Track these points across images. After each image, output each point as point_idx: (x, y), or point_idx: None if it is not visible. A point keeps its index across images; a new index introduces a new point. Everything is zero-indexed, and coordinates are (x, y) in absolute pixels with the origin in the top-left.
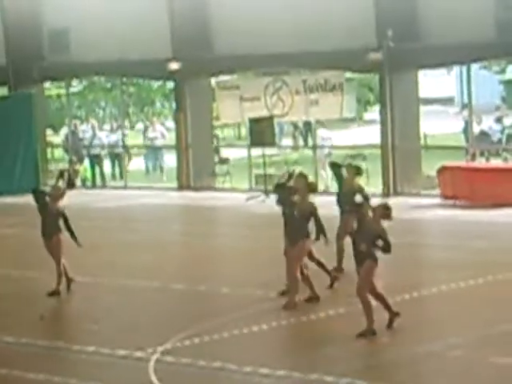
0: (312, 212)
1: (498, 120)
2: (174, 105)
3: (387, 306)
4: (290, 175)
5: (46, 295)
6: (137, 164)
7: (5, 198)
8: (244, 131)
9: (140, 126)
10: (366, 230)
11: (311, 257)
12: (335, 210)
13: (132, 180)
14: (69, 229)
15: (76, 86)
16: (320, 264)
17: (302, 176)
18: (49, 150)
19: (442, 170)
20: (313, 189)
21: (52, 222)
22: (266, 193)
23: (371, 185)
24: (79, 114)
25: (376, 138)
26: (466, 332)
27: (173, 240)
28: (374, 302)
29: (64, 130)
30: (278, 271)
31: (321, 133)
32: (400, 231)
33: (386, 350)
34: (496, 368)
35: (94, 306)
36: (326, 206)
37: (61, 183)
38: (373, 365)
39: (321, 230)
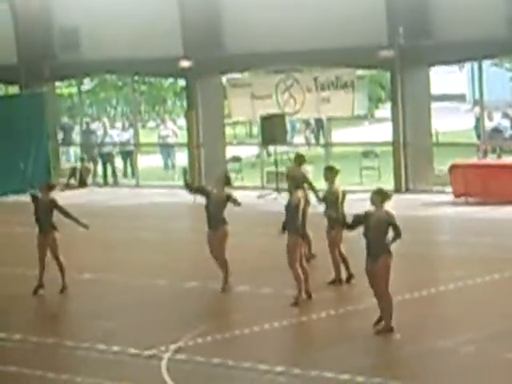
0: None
1: (506, 116)
2: (185, 103)
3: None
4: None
5: (58, 293)
6: (149, 162)
7: (17, 196)
8: (256, 129)
9: (152, 124)
10: (374, 223)
11: (339, 252)
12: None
13: (144, 178)
14: (67, 215)
15: (87, 84)
16: (344, 260)
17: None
18: (60, 149)
19: (454, 167)
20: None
21: (46, 217)
22: (278, 190)
23: (383, 182)
24: (90, 112)
25: (388, 136)
26: (478, 328)
27: (184, 238)
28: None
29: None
30: (288, 269)
31: None
32: (412, 228)
33: (398, 346)
34: (509, 364)
35: (106, 304)
36: None
37: (72, 181)
38: (385, 361)
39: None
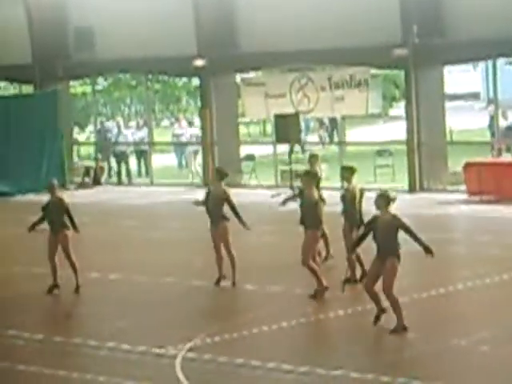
0: (226, 198)
1: None
2: (199, 102)
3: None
4: None
5: (73, 293)
6: (163, 161)
7: (31, 195)
8: (269, 128)
9: (166, 122)
10: (381, 227)
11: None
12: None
13: (158, 177)
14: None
15: (101, 83)
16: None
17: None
18: (75, 148)
19: (468, 166)
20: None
21: (57, 216)
22: (292, 189)
23: (397, 181)
24: (105, 111)
25: (402, 134)
26: (493, 327)
27: (197, 237)
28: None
29: (90, 128)
30: (300, 268)
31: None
32: (426, 227)
33: (412, 345)
34: None
35: (119, 303)
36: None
37: (87, 180)
38: (399, 360)
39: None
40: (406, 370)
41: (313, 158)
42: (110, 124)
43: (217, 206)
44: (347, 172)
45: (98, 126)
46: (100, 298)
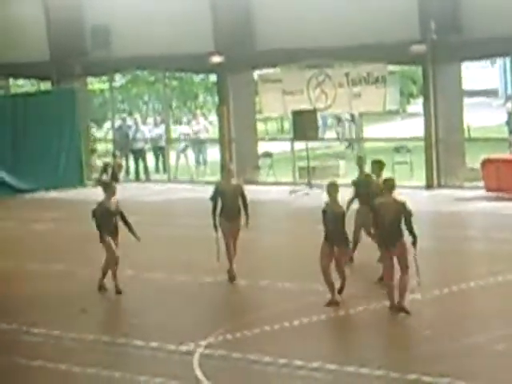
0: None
1: None
2: (216, 98)
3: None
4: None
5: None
6: (181, 157)
7: (50, 192)
8: (287, 124)
9: (184, 120)
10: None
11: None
12: None
13: (178, 174)
14: (126, 223)
15: (119, 80)
16: None
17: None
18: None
19: (486, 163)
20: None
21: (108, 222)
22: (310, 186)
23: (415, 177)
24: (122, 108)
25: (420, 131)
26: (510, 325)
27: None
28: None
29: (108, 125)
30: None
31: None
32: (443, 224)
33: (428, 342)
34: None
35: (136, 301)
36: None
37: (105, 177)
38: (414, 357)
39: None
40: (420, 368)
41: (361, 160)
42: (130, 121)
43: (234, 202)
44: (377, 166)
45: (119, 123)
46: (115, 295)
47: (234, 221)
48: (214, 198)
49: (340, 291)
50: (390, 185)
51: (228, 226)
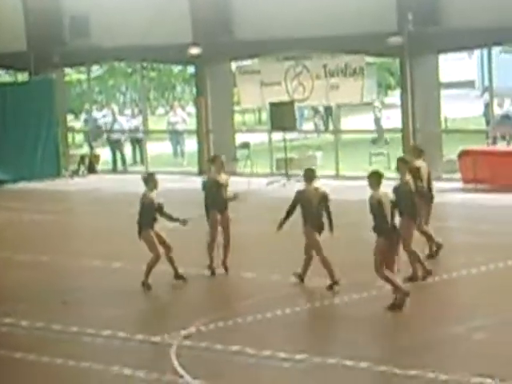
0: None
1: None
2: (194, 90)
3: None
4: None
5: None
6: (158, 149)
7: (27, 183)
8: (265, 116)
9: (161, 111)
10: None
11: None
12: None
13: (154, 165)
14: (166, 216)
15: (96, 71)
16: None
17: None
18: (70, 135)
19: (463, 154)
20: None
21: (147, 215)
22: (288, 177)
23: (392, 169)
24: (100, 99)
25: (397, 122)
26: (489, 315)
27: (194, 225)
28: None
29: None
30: (298, 256)
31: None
32: None
33: (409, 333)
34: None
35: (113, 291)
36: None
37: (82, 168)
38: (394, 348)
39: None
40: (400, 358)
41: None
42: (97, 114)
43: (224, 194)
44: (402, 164)
45: (85, 116)
46: (97, 286)
47: (224, 212)
48: (205, 189)
49: (332, 284)
50: (308, 175)
51: (216, 216)
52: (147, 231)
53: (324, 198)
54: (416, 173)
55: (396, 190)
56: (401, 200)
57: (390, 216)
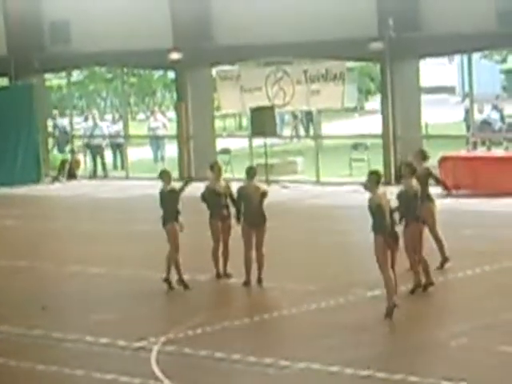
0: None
1: (495, 108)
2: (175, 95)
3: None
4: None
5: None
6: (139, 154)
7: (7, 188)
8: (245, 121)
9: (142, 116)
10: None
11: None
12: None
13: (134, 170)
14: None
15: (76, 76)
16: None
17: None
18: (50, 141)
19: (444, 160)
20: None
21: (169, 208)
22: (268, 182)
23: None
24: (80, 104)
25: (377, 128)
26: (470, 320)
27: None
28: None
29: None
30: (283, 261)
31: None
32: None
33: (388, 339)
34: (501, 356)
35: (94, 297)
36: None
37: (62, 174)
38: (369, 354)
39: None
40: (385, 363)
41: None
42: (61, 121)
43: (224, 202)
44: (407, 169)
45: (51, 123)
46: (78, 292)
47: (226, 220)
48: (204, 200)
49: (259, 280)
50: (250, 172)
51: (217, 224)
52: (172, 224)
53: (263, 195)
54: (427, 174)
55: (400, 196)
56: (407, 205)
57: (389, 215)
